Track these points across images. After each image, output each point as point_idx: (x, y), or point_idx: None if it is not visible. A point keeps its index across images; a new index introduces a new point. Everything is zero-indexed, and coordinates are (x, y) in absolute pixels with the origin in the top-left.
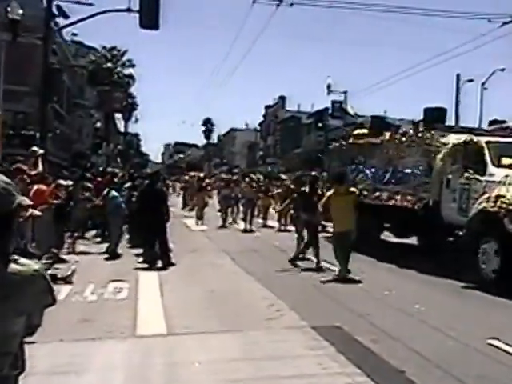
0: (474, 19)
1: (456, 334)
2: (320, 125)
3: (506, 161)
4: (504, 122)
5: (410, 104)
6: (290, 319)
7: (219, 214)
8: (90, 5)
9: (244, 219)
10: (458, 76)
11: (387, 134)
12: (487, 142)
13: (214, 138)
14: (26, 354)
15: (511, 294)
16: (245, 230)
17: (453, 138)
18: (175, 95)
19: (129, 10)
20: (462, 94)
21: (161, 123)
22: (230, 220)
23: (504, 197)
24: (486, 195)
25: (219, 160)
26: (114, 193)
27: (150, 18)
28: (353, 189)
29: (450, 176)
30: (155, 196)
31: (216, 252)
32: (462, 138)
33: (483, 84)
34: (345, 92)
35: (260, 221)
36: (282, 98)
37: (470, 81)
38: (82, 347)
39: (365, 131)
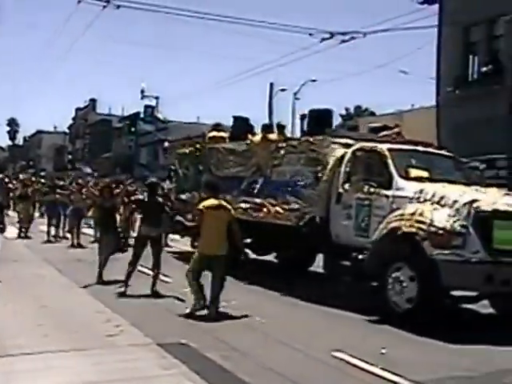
0: (296, 33)
1: (302, 346)
2: (133, 129)
3: (414, 172)
4: (389, 127)
5: (222, 111)
6: (132, 336)
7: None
8: None
9: (70, 231)
10: (271, 85)
11: (257, 138)
12: (390, 150)
13: (20, 140)
14: None
15: (421, 326)
16: (72, 245)
17: (344, 145)
18: None
19: None
20: (276, 103)
21: None
22: (53, 232)
23: (422, 215)
24: (397, 213)
25: (25, 163)
26: None
27: None
28: (226, 204)
29: (341, 189)
30: None
31: (38, 262)
32: (357, 144)
33: (295, 94)
34: (157, 97)
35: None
36: (93, 101)
37: (283, 90)
38: None
39: (223, 134)
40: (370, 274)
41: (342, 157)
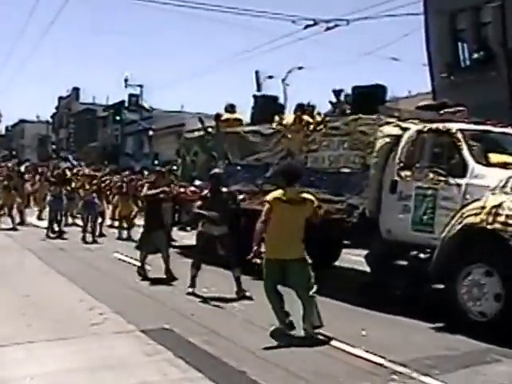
0: (279, 20)
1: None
2: (118, 118)
3: (495, 157)
4: (448, 105)
5: (209, 99)
6: (115, 323)
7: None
8: None
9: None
10: (257, 73)
11: (288, 119)
12: (462, 131)
13: (2, 130)
14: None
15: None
16: (91, 241)
17: (399, 126)
18: None
19: None
20: (265, 90)
21: None
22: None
23: (510, 209)
24: (475, 205)
25: (8, 153)
26: None
27: None
28: (307, 195)
29: (396, 177)
30: None
31: (20, 251)
32: (417, 125)
33: (283, 80)
34: (141, 86)
35: None
36: (76, 90)
37: (270, 77)
38: None
39: (238, 116)
40: (437, 276)
41: (398, 139)
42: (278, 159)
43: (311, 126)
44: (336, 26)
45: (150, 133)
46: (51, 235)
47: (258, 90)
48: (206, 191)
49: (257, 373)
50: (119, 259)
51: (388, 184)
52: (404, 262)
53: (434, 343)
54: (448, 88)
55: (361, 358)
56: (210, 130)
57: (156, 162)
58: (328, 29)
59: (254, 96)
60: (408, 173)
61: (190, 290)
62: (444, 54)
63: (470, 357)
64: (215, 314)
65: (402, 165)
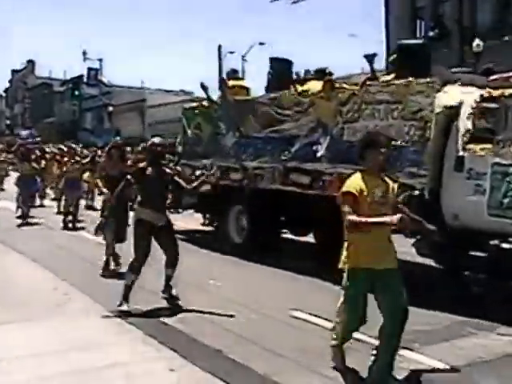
0: None
1: (259, 307)
2: (76, 93)
3: None
4: (494, 71)
5: (170, 75)
6: (82, 303)
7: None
8: None
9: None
10: (219, 47)
11: (317, 85)
12: None
13: None
14: None
15: None
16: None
17: (461, 92)
18: None
19: None
20: (226, 65)
21: None
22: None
23: None
24: None
25: None
26: None
27: None
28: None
29: (462, 152)
30: None
31: None
32: (482, 90)
33: (243, 56)
34: (100, 60)
35: None
36: (32, 63)
37: (232, 52)
38: None
39: (243, 83)
40: None
41: (458, 107)
42: (306, 131)
43: (348, 93)
44: None
45: (110, 108)
46: (23, 221)
47: (219, 64)
48: (142, 164)
49: (233, 350)
50: (86, 238)
51: (452, 160)
52: (481, 254)
53: (413, 319)
54: None
55: None
56: (216, 100)
57: (118, 137)
58: (294, 3)
59: (270, 59)
60: (479, 146)
61: (124, 307)
62: (402, 32)
63: (448, 331)
64: (186, 290)
65: (468, 137)
